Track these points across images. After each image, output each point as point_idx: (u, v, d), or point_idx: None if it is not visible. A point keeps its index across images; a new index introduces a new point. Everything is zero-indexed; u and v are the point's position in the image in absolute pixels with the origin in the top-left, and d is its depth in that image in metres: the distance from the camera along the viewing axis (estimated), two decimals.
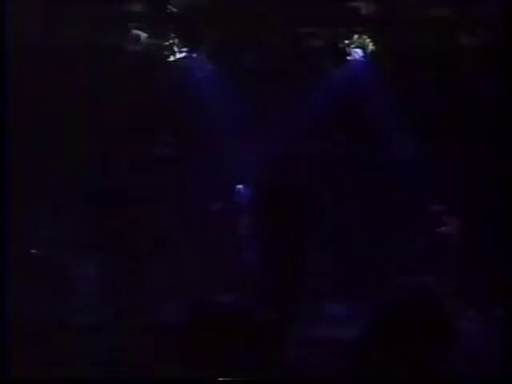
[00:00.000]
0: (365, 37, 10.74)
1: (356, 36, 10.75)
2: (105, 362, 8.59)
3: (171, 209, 10.65)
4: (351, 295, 10.23)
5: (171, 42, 10.66)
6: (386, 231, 10.90)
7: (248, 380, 7.71)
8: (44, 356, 7.84)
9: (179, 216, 10.66)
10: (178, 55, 10.75)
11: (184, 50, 10.70)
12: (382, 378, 7.74)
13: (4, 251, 7.59)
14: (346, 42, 10.80)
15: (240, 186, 10.24)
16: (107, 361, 8.62)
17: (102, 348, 8.78)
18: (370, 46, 10.77)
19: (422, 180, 10.97)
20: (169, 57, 10.76)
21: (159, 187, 10.77)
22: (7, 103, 7.63)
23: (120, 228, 9.42)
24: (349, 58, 10.88)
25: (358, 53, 10.86)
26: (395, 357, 7.91)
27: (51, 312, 9.05)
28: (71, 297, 9.62)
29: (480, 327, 8.88)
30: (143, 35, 10.62)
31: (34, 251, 10.00)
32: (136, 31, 10.57)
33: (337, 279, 10.52)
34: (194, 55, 10.79)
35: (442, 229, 10.44)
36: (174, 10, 10.41)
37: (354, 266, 10.68)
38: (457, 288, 9.90)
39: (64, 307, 9.31)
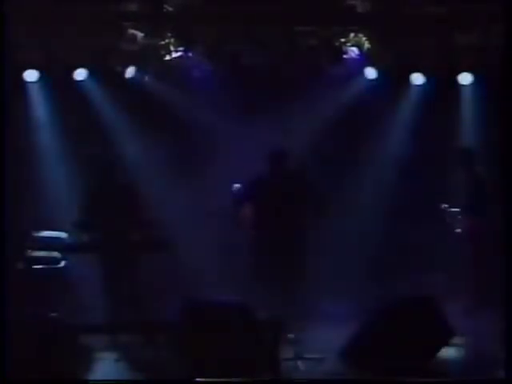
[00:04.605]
0: (361, 35, 10.74)
1: (352, 34, 10.74)
2: (104, 362, 8.64)
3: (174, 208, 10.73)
4: (351, 294, 10.33)
5: (167, 41, 10.65)
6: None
7: (247, 381, 7.73)
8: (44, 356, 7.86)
9: (179, 215, 10.72)
10: (174, 54, 10.74)
11: (180, 49, 10.68)
12: (380, 378, 7.77)
13: (4, 251, 7.60)
14: (342, 40, 10.79)
15: (238, 185, 10.22)
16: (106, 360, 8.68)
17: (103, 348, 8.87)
18: (366, 45, 10.77)
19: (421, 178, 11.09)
20: (165, 56, 10.75)
21: (158, 186, 10.85)
22: (6, 104, 7.62)
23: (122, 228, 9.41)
24: (345, 56, 10.87)
25: (354, 51, 10.85)
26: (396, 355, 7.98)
27: None
28: None
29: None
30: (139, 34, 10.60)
31: None
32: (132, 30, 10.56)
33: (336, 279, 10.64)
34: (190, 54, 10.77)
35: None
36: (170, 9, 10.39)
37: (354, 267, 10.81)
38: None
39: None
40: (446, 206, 10.33)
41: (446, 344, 8.36)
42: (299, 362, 8.54)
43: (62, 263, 9.91)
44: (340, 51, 10.79)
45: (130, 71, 10.88)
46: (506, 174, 7.88)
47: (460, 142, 10.97)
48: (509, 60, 7.48)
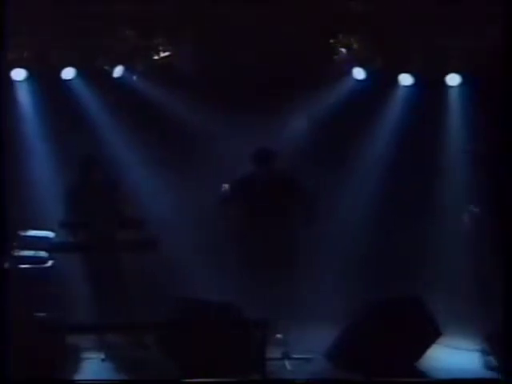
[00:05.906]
0: (349, 35, 10.74)
1: (341, 35, 10.75)
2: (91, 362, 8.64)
3: (161, 207, 10.74)
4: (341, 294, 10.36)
5: (156, 41, 10.64)
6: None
7: (235, 381, 7.73)
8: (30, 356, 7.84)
9: (166, 214, 10.73)
10: (163, 54, 10.72)
11: (169, 48, 10.67)
12: (370, 378, 7.79)
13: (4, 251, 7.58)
14: (331, 40, 10.78)
15: (226, 185, 10.23)
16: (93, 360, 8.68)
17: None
18: (355, 45, 10.77)
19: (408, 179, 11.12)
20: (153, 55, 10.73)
21: (146, 185, 10.85)
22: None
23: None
24: (333, 56, 10.87)
25: (342, 52, 10.85)
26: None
27: None
28: None
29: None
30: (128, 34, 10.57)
31: None
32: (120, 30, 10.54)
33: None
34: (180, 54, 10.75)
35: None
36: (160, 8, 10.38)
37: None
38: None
39: None
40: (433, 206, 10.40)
41: (432, 343, 8.41)
42: (287, 362, 8.55)
43: (49, 263, 9.88)
44: (328, 52, 10.79)
45: (118, 70, 10.85)
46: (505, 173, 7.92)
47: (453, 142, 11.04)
48: (508, 61, 7.50)
